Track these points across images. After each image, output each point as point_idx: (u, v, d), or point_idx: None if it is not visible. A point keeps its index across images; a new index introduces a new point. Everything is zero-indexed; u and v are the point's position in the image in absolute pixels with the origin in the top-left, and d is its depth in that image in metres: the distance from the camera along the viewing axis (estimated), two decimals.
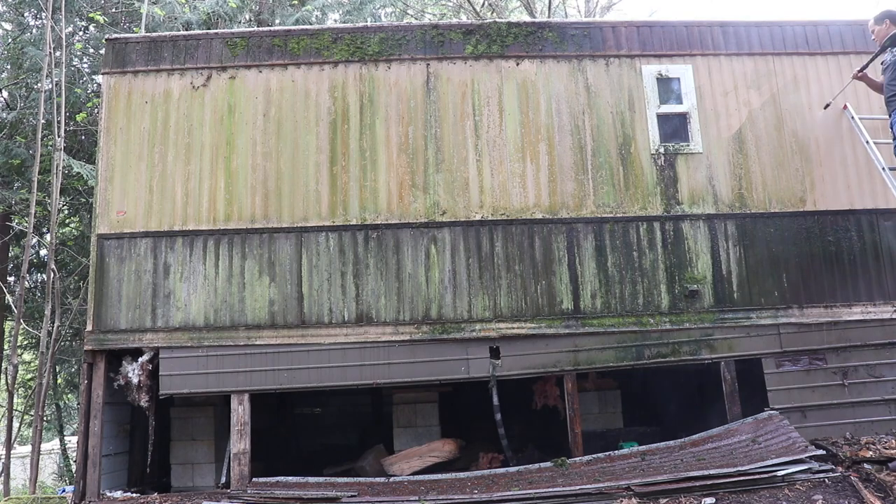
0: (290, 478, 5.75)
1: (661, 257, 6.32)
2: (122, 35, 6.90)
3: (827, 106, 6.51)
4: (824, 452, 5.32)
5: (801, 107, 6.59)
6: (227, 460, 6.12)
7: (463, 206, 6.33)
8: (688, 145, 6.48)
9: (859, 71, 6.30)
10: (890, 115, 5.95)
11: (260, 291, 6.16)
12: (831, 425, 6.00)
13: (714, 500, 4.74)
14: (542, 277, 6.25)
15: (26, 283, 10.39)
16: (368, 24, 8.89)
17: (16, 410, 11.17)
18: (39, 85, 10.00)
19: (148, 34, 7.24)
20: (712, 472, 4.98)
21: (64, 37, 10.00)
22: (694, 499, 4.79)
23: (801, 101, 6.59)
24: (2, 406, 13.97)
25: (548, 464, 5.78)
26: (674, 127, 6.56)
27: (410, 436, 6.92)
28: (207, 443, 6.82)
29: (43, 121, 9.43)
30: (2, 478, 9.20)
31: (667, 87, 6.61)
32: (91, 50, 13.06)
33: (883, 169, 5.97)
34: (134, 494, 6.04)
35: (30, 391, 13.64)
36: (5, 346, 12.32)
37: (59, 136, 9.11)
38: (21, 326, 10.03)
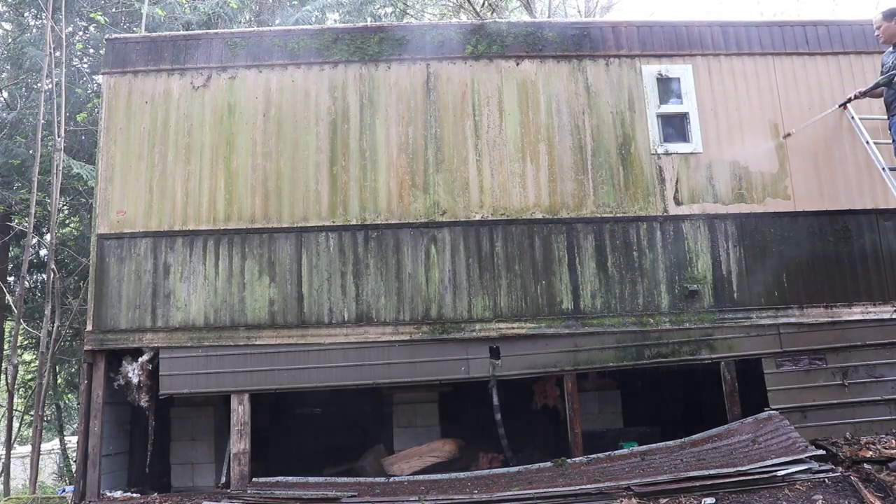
0: (290, 478, 5.75)
1: (661, 257, 6.32)
2: (122, 35, 6.90)
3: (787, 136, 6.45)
4: (824, 452, 5.31)
5: (800, 107, 6.59)
6: (227, 460, 6.12)
7: (463, 206, 6.33)
8: (688, 145, 6.48)
9: (859, 96, 6.18)
10: (890, 118, 5.93)
11: (260, 291, 6.16)
12: (831, 425, 6.00)
13: (714, 500, 4.74)
14: (542, 277, 6.24)
15: (26, 283, 10.39)
16: (368, 24, 8.89)
17: (16, 410, 11.18)
18: (39, 85, 10.00)
19: (148, 34, 7.25)
20: (712, 472, 4.98)
21: (64, 37, 10.00)
22: (694, 499, 4.79)
23: (800, 100, 6.59)
24: (2, 406, 13.96)
25: (548, 464, 5.78)
26: (674, 127, 6.56)
27: (410, 436, 6.92)
28: (207, 443, 6.82)
29: (43, 121, 9.43)
30: (2, 478, 9.20)
31: (667, 87, 6.61)
32: (91, 50, 13.06)
33: (883, 169, 5.96)
34: (134, 494, 6.04)
35: (30, 391, 13.64)
36: (5, 346, 12.32)
37: (59, 137, 9.11)
38: (21, 326, 10.03)
